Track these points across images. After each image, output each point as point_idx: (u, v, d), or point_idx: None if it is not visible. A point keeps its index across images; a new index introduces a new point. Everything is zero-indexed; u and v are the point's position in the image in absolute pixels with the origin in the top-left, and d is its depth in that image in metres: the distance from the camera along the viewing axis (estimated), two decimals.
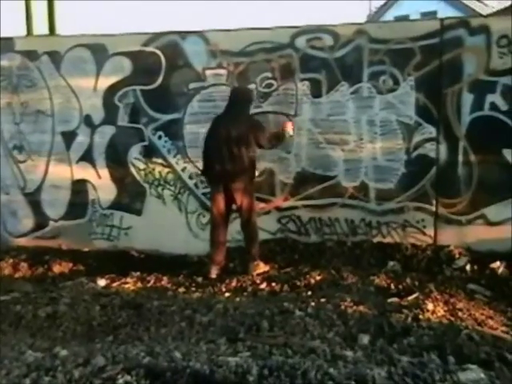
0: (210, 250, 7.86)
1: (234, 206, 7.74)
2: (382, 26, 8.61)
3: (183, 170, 8.53)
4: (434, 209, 7.86)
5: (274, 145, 7.78)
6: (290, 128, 7.83)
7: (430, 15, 27.64)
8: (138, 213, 8.80)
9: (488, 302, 6.48)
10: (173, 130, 8.53)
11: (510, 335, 5.45)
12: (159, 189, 8.69)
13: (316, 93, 8.05)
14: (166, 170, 8.63)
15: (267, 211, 8.31)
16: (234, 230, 8.24)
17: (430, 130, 7.77)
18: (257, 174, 7.87)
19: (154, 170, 8.66)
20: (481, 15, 13.29)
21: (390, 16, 33.45)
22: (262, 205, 8.30)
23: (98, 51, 8.59)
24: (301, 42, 8.03)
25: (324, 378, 3.99)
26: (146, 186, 8.71)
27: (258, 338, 5.38)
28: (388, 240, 8.03)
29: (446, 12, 25.66)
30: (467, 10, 28.83)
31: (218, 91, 8.29)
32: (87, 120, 8.76)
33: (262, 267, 7.67)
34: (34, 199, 9.10)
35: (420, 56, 7.67)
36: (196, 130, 8.38)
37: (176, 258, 8.43)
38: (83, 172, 8.87)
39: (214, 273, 7.66)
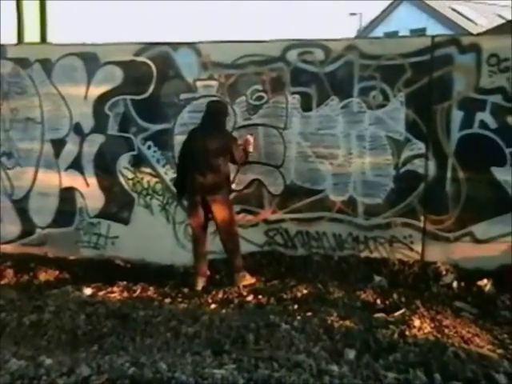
0: (194, 263, 7.86)
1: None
2: (373, 41, 8.67)
3: (172, 180, 8.49)
4: (421, 225, 7.87)
5: (243, 161, 7.86)
6: (249, 145, 7.94)
7: (419, 32, 27.87)
8: (126, 222, 8.77)
9: (474, 319, 6.48)
10: (162, 141, 8.51)
11: (497, 354, 5.46)
12: (147, 198, 8.67)
13: (306, 106, 8.05)
14: (155, 179, 8.61)
15: (254, 224, 8.29)
16: (220, 242, 8.26)
17: (419, 146, 7.79)
18: (233, 186, 7.97)
19: (142, 179, 8.63)
20: (471, 34, 13.39)
21: (379, 32, 33.74)
22: (249, 217, 8.30)
23: (90, 60, 8.57)
24: (292, 55, 8.05)
25: None
26: (135, 195, 8.69)
27: (244, 350, 5.37)
28: (375, 255, 8.03)
29: (436, 29, 25.89)
30: (457, 28, 29.09)
31: None
32: (77, 128, 8.73)
33: (249, 279, 7.66)
34: (21, 206, 9.06)
35: (410, 72, 7.70)
36: None
37: (162, 268, 8.41)
38: (71, 180, 8.84)
39: (200, 285, 7.65)
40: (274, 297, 7.18)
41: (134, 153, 8.61)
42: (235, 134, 8.16)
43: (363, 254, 8.08)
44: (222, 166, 7.54)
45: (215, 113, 7.75)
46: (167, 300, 7.26)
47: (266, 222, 8.34)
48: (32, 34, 11.56)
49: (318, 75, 7.99)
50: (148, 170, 8.62)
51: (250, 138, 7.99)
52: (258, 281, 7.69)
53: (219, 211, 7.57)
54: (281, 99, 8.12)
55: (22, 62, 8.82)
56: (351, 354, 5.31)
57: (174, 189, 8.36)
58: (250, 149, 7.94)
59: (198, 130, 7.81)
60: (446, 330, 5.95)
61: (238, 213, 8.27)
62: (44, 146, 8.88)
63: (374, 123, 7.90)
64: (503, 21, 21.04)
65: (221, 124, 7.75)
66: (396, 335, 5.65)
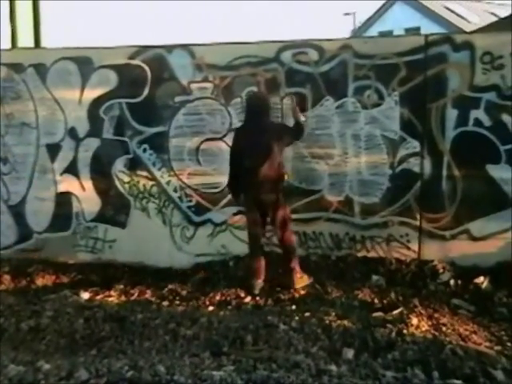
0: (249, 263, 7.75)
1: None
2: (367, 41, 8.63)
3: (168, 183, 8.51)
4: (418, 223, 7.88)
5: (298, 137, 7.75)
6: (298, 114, 7.81)
7: (414, 31, 27.91)
8: (123, 225, 8.75)
9: (472, 317, 6.51)
10: (158, 143, 8.49)
11: (494, 350, 5.49)
12: (144, 202, 8.66)
13: (301, 107, 8.04)
14: (151, 182, 8.60)
15: None
16: (217, 244, 8.28)
17: (415, 145, 7.80)
18: (286, 177, 7.78)
19: (138, 182, 8.63)
20: (464, 32, 13.41)
21: (374, 31, 33.82)
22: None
23: (84, 64, 8.54)
24: (286, 56, 8.04)
25: None
26: (131, 198, 8.68)
27: (243, 351, 5.38)
28: (372, 254, 8.03)
29: (430, 28, 25.94)
30: (450, 26, 29.14)
31: (204, 105, 8.29)
32: (72, 132, 8.70)
33: (306, 280, 7.54)
34: (17, 211, 9.03)
35: (405, 71, 7.70)
36: (181, 144, 8.37)
37: (160, 270, 8.39)
38: (67, 184, 8.82)
39: (257, 288, 7.48)
40: (272, 297, 7.21)
41: (130, 156, 8.59)
42: (231, 135, 8.16)
43: (360, 254, 8.08)
44: (274, 162, 7.38)
45: (257, 107, 7.61)
46: (165, 302, 7.27)
47: None
48: (26, 38, 11.57)
49: (312, 75, 7.99)
50: (144, 173, 8.59)
51: (295, 108, 7.86)
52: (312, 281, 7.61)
53: (273, 211, 7.49)
54: (276, 100, 8.11)
55: (16, 67, 8.79)
56: (350, 354, 5.33)
57: (170, 192, 8.42)
58: (302, 118, 7.84)
59: (243, 128, 7.73)
60: (444, 328, 5.98)
61: (235, 214, 8.29)
62: (39, 150, 8.85)
63: (369, 122, 7.91)
64: (496, 18, 21.07)
65: (265, 118, 7.57)
66: (394, 334, 5.68)
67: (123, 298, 7.55)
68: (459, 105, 7.64)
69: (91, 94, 8.60)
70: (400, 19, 32.30)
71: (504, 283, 7.19)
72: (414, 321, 6.06)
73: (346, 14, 42.97)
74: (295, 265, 7.54)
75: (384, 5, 36.30)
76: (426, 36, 7.79)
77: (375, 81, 7.82)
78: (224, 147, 8.18)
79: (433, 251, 7.85)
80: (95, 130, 8.64)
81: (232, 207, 8.28)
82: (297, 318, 6.24)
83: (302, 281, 7.49)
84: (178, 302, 7.25)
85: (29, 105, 8.80)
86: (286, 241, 7.60)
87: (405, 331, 5.74)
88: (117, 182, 8.68)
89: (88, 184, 8.76)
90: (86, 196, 8.79)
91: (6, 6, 11.38)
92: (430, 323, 6.11)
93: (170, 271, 8.39)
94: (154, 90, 8.40)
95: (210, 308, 6.99)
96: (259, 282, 7.53)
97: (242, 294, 7.34)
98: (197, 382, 4.24)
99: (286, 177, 7.75)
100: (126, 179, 8.65)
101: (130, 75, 8.45)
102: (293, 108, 7.89)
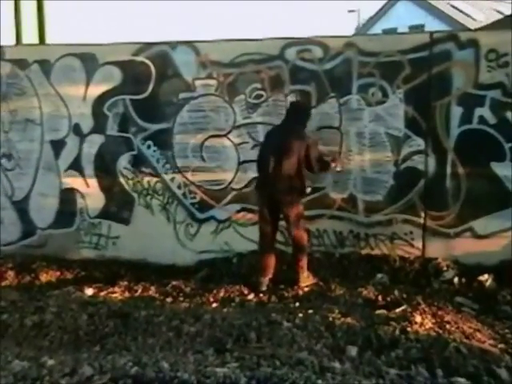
0: (259, 261, 7.74)
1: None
2: (372, 38, 8.65)
3: (172, 179, 8.51)
4: (422, 221, 7.87)
5: (319, 170, 7.60)
6: (337, 163, 7.83)
7: (418, 28, 27.84)
8: (126, 222, 8.76)
9: (476, 315, 6.51)
10: (162, 140, 8.50)
11: (498, 349, 5.48)
12: (147, 198, 8.66)
13: (306, 104, 8.02)
14: (155, 179, 8.60)
15: (255, 222, 8.24)
16: (221, 241, 8.27)
17: (419, 143, 7.80)
18: (308, 190, 7.76)
19: (142, 179, 8.62)
20: (469, 29, 13.37)
21: (378, 29, 33.72)
22: (249, 215, 8.29)
23: (88, 60, 8.55)
24: (290, 53, 8.03)
25: None
26: (135, 195, 8.68)
27: (246, 348, 5.38)
28: (376, 252, 8.03)
29: (434, 26, 25.88)
30: (455, 24, 29.07)
31: (208, 101, 8.30)
32: (76, 129, 8.71)
33: (311, 279, 7.56)
34: (21, 207, 9.05)
35: (409, 69, 7.69)
36: (185, 140, 8.38)
37: (164, 267, 8.40)
38: (72, 181, 8.82)
39: (264, 285, 7.52)
40: (276, 295, 7.22)
41: (134, 153, 8.60)
42: (235, 132, 8.18)
43: (364, 251, 8.08)
44: (295, 167, 7.33)
45: (294, 112, 7.61)
46: (169, 299, 7.28)
47: None
48: (30, 34, 11.57)
49: (316, 73, 7.98)
50: (148, 169, 8.60)
51: (338, 160, 7.90)
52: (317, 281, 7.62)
53: (287, 210, 7.45)
54: (280, 97, 8.11)
55: (21, 63, 8.80)
56: (353, 351, 5.32)
57: (174, 189, 8.45)
58: (338, 168, 7.85)
59: (276, 129, 7.74)
60: (448, 326, 5.96)
61: (239, 211, 8.30)
62: (43, 147, 8.87)
63: (373, 120, 7.90)
64: (501, 16, 21.01)
65: (300, 125, 7.56)
66: (397, 331, 5.67)
67: (127, 294, 7.56)
68: (464, 102, 7.63)
69: (95, 90, 8.60)
70: (404, 17, 32.22)
71: (508, 281, 7.18)
72: (418, 318, 6.05)
73: (350, 11, 42.95)
74: (303, 264, 7.53)
75: (388, 2, 36.25)
76: (431, 33, 7.77)
77: (379, 78, 7.81)
78: (228, 144, 8.20)
79: (437, 249, 7.85)
80: (99, 126, 8.65)
81: (235, 204, 8.30)
82: (300, 315, 6.23)
83: (307, 280, 7.50)
84: (181, 299, 7.25)
85: (33, 101, 8.82)
86: (296, 239, 7.56)
87: (408, 329, 5.73)
88: (121, 179, 8.69)
89: (92, 180, 8.78)
90: (89, 192, 8.80)
91: (11, 2, 11.38)
92: (433, 321, 6.09)
93: (173, 268, 8.41)
94: (158, 86, 8.41)
95: (214, 305, 7.00)
96: (266, 280, 7.55)
97: (246, 291, 7.36)
98: (200, 379, 4.24)
99: (307, 190, 7.72)
100: (130, 176, 8.65)
101: (134, 72, 8.46)
102: (333, 158, 7.87)
